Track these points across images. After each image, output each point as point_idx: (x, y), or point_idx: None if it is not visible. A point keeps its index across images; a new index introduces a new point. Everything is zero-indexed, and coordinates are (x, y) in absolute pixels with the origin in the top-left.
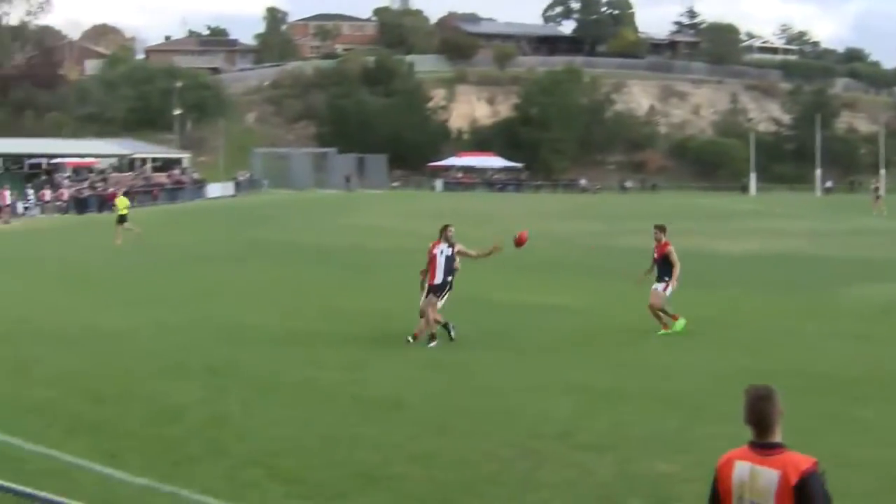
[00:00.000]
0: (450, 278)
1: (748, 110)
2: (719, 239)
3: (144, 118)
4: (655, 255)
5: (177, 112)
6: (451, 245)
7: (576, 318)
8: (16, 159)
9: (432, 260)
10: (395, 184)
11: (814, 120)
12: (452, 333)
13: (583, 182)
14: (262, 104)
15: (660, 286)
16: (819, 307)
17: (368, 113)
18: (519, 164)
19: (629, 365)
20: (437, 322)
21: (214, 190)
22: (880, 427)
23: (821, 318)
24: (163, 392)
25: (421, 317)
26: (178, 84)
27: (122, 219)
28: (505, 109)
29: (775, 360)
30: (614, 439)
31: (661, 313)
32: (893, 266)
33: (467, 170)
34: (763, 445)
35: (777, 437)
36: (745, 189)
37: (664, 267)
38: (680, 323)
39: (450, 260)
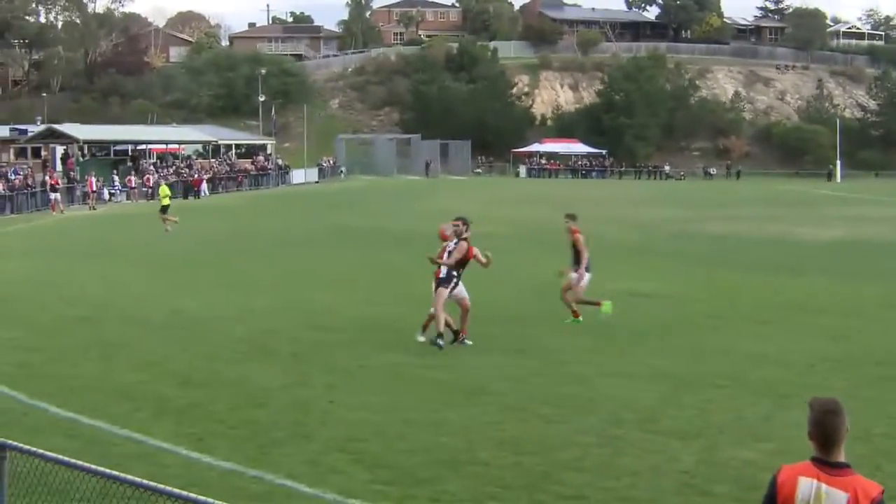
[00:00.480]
0: (454, 272)
1: (834, 96)
2: (805, 226)
3: (229, 105)
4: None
5: (261, 99)
6: (459, 240)
7: (662, 305)
8: (102, 146)
9: (441, 252)
10: (478, 170)
11: None
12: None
13: (667, 168)
14: (345, 90)
15: (574, 276)
16: None
17: (452, 99)
18: (602, 151)
19: (715, 352)
20: (446, 322)
21: (298, 176)
22: None
23: None
24: (248, 377)
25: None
26: (262, 71)
27: (164, 209)
28: (588, 96)
29: (861, 348)
30: (698, 426)
31: (575, 303)
32: None
33: (551, 156)
34: (831, 464)
35: (843, 456)
36: (830, 176)
37: (575, 255)
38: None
39: (451, 254)
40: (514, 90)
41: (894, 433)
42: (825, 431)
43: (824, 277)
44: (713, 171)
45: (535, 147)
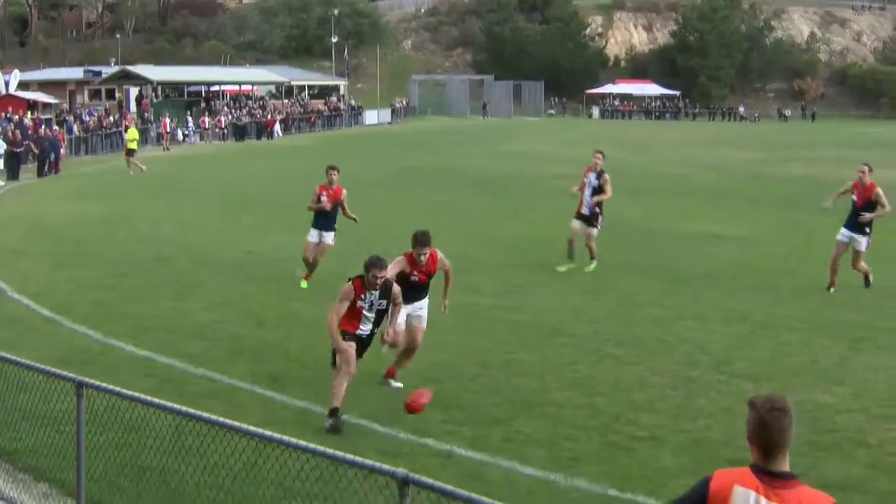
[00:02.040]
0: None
1: None
2: (884, 168)
3: (301, 46)
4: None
5: (334, 40)
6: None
7: (736, 247)
8: (175, 87)
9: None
10: (551, 111)
11: None
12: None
13: (741, 110)
14: (418, 31)
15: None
16: None
17: (524, 40)
18: (676, 92)
19: (789, 295)
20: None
21: (371, 117)
22: None
23: None
24: (322, 316)
25: None
26: (335, 11)
27: (130, 152)
28: (662, 37)
29: None
30: (772, 369)
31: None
32: None
33: (624, 97)
34: (774, 474)
35: (787, 465)
36: None
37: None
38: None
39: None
40: (588, 31)
41: None
42: (769, 434)
43: None
44: (788, 112)
45: (608, 88)
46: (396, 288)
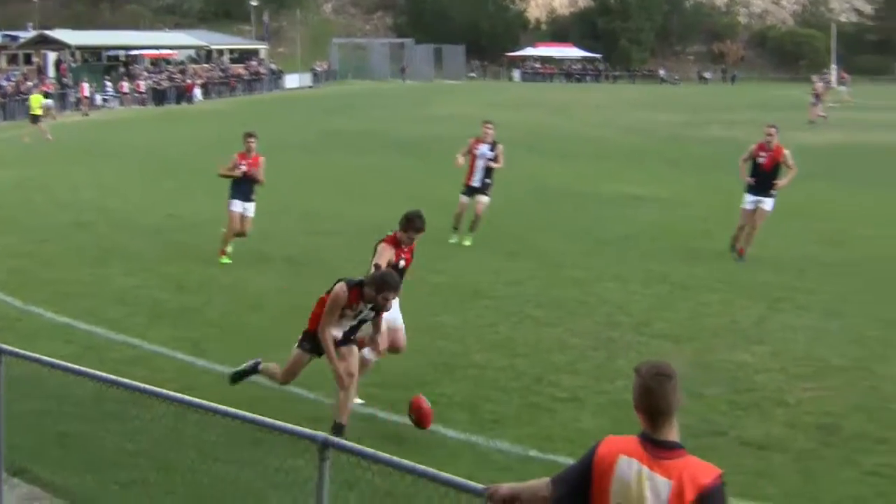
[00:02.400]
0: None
1: (829, 0)
2: (802, 131)
3: (221, 9)
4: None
5: (253, 3)
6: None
7: (657, 209)
8: (94, 51)
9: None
10: (472, 74)
11: None
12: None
13: (662, 73)
14: None
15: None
16: None
17: (445, 3)
18: (597, 55)
19: (709, 256)
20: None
21: (292, 81)
22: None
23: None
24: (243, 281)
25: None
26: None
27: (35, 118)
28: (583, 0)
29: (860, 251)
30: (692, 329)
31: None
32: None
33: (545, 60)
34: (658, 443)
35: (674, 435)
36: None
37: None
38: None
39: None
40: None
41: (886, 336)
42: (653, 400)
43: (821, 182)
44: (708, 75)
45: (529, 51)
46: None
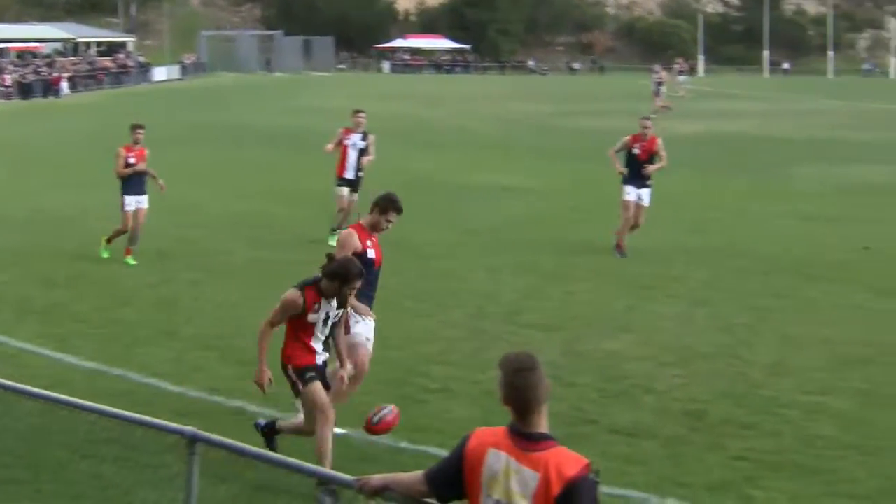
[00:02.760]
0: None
1: None
2: (668, 120)
3: (88, 2)
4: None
5: None
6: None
7: (526, 199)
8: None
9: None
10: (341, 66)
11: (762, 1)
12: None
13: (531, 63)
14: None
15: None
16: (768, 188)
17: None
18: (467, 46)
19: (578, 245)
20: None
21: (160, 73)
22: (826, 306)
23: (769, 199)
24: (113, 275)
25: None
26: None
27: None
28: None
29: (723, 239)
30: (562, 318)
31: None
32: (844, 146)
33: (414, 51)
34: (526, 435)
35: (543, 425)
36: (693, 70)
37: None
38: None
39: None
40: None
41: (753, 323)
42: (519, 394)
43: (686, 171)
44: (577, 66)
45: (398, 43)
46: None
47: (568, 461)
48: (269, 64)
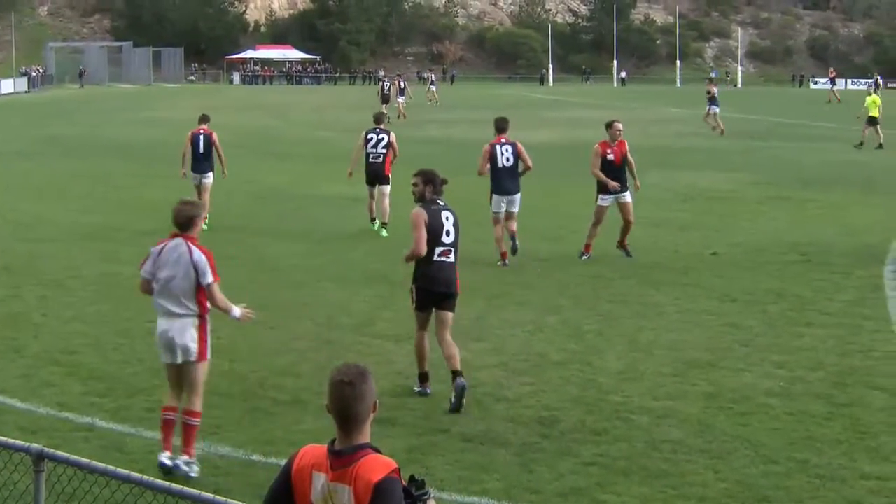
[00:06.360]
0: None
1: (545, 1)
2: (518, 129)
3: None
4: None
5: None
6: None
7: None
8: None
9: None
10: (191, 77)
11: (611, 11)
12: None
13: (381, 73)
14: None
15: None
16: None
17: (164, 6)
18: (317, 56)
19: None
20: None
21: (7, 86)
22: (673, 312)
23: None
24: None
25: None
26: None
27: None
28: (303, 2)
29: (576, 247)
30: (412, 328)
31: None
32: (690, 154)
33: (265, 62)
34: (337, 453)
35: (365, 437)
36: (543, 80)
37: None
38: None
39: None
40: None
41: (602, 329)
42: (340, 407)
43: (536, 180)
44: (427, 76)
45: (249, 53)
46: None
47: (375, 468)
48: (82, 75)
